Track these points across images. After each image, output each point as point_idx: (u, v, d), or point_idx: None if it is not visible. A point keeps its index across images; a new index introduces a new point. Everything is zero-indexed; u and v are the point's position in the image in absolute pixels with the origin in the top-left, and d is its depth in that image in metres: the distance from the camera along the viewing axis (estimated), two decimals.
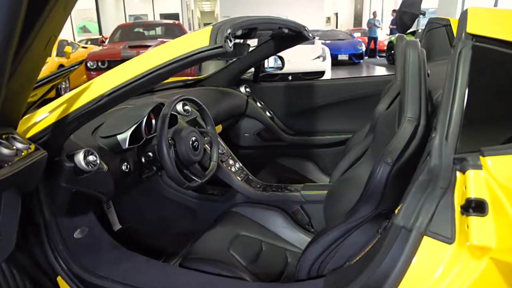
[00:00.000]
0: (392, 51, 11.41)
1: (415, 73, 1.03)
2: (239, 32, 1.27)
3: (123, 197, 1.82)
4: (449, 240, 0.75)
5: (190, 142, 1.46)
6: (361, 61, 12.13)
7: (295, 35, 1.85)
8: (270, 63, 2.73)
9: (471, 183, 0.72)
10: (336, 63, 10.15)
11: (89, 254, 1.28)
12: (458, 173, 0.76)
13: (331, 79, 2.75)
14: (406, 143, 0.99)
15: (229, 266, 1.32)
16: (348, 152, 1.86)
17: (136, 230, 1.88)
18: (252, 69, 2.56)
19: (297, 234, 1.63)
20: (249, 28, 1.38)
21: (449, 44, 1.66)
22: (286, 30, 1.67)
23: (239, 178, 1.80)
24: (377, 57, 13.64)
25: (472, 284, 0.72)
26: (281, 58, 2.72)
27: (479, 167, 0.72)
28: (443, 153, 0.78)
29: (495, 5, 11.54)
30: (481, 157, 0.72)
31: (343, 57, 11.68)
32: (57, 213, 1.22)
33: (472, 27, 0.81)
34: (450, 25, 1.67)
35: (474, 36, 0.80)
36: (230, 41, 1.06)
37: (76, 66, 1.28)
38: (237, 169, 1.85)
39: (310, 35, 1.90)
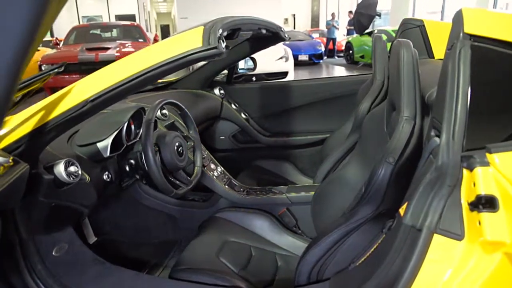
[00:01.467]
0: (351, 51, 11.77)
1: (410, 73, 1.04)
2: (225, 33, 1.23)
3: (99, 207, 1.71)
4: (459, 236, 0.76)
5: (175, 148, 1.40)
6: (321, 61, 12.40)
7: (271, 36, 1.83)
8: (241, 64, 2.71)
9: (480, 180, 0.73)
10: (296, 63, 10.31)
11: (71, 272, 1.19)
12: (464, 171, 0.77)
13: (306, 79, 2.76)
14: (406, 142, 1.00)
15: (222, 274, 1.27)
16: (329, 152, 1.87)
17: (114, 242, 1.78)
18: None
19: (285, 237, 1.61)
20: (233, 29, 1.35)
21: (424, 44, 1.71)
22: (264, 31, 1.65)
23: (222, 183, 1.75)
24: (336, 57, 14.01)
25: (487, 279, 0.73)
26: (253, 59, 2.70)
27: (486, 164, 0.73)
28: (451, 151, 0.78)
29: (443, 7, 12.23)
30: (487, 154, 0.74)
31: (303, 57, 11.88)
32: (34, 230, 1.12)
33: (469, 28, 0.82)
34: (424, 25, 1.72)
35: (472, 36, 0.82)
36: (223, 41, 1.03)
37: (55, 70, 1.18)
38: (219, 173, 1.80)
39: (286, 36, 1.89)
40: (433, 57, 1.70)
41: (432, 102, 1.02)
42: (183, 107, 1.54)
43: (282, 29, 1.85)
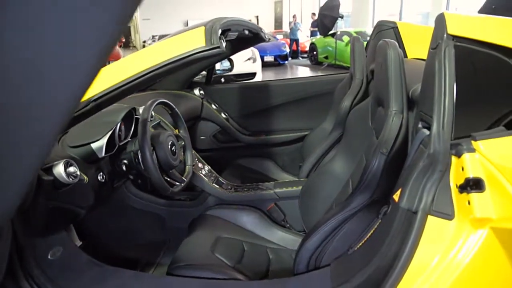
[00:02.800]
0: (315, 52, 12.03)
1: (397, 72, 1.13)
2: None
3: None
4: (450, 216, 0.85)
5: (169, 147, 1.42)
6: (286, 62, 12.58)
7: (252, 37, 1.88)
8: (217, 65, 2.74)
9: (468, 165, 0.82)
10: (262, 64, 10.42)
11: (69, 275, 1.18)
12: (453, 157, 0.86)
13: (283, 79, 2.83)
14: (396, 134, 1.09)
15: (220, 269, 1.31)
16: (311, 149, 1.95)
17: (101, 244, 1.76)
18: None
19: (275, 231, 1.66)
20: (224, 30, 1.39)
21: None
22: (247, 32, 1.69)
23: (211, 181, 1.79)
24: (300, 58, 14.26)
25: (476, 252, 0.82)
26: (230, 60, 2.74)
27: (472, 150, 0.83)
28: (441, 140, 0.87)
29: (401, 10, 12.81)
30: (473, 142, 0.83)
31: (269, 58, 12.00)
32: (31, 234, 1.11)
33: (452, 29, 0.92)
34: (397, 27, 1.84)
35: (455, 37, 0.92)
36: (223, 41, 1.07)
37: None
38: (206, 171, 1.83)
39: (266, 36, 1.95)
40: (406, 57, 1.82)
41: (416, 97, 1.12)
42: (174, 106, 1.55)
43: (263, 30, 1.90)
